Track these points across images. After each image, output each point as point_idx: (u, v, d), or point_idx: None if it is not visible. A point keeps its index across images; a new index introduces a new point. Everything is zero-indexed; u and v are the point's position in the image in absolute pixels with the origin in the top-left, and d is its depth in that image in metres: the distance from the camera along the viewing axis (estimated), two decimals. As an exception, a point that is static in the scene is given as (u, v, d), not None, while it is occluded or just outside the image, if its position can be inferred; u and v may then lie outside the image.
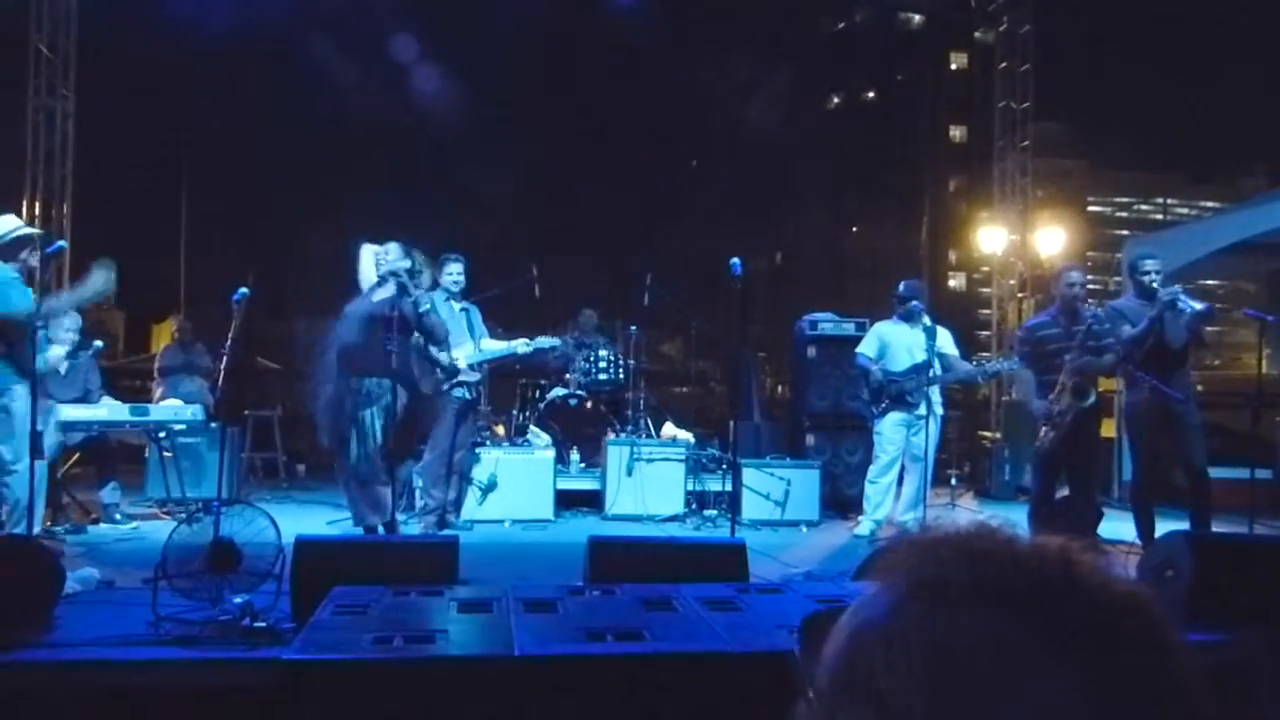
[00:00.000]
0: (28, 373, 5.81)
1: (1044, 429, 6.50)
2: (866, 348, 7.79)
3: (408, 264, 6.47)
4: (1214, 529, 6.44)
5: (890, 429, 7.61)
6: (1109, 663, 0.59)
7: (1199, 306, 6.30)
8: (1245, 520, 6.32)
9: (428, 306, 6.32)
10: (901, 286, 7.82)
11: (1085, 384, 6.42)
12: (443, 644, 3.03)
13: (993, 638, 0.60)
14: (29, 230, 6.21)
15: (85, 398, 7.61)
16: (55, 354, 6.81)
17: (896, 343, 7.66)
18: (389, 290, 6.38)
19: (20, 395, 5.84)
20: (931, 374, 7.40)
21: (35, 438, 5.52)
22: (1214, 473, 9.60)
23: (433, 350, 6.99)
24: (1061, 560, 0.64)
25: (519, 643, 3.01)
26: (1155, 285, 6.44)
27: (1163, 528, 6.16)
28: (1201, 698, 0.63)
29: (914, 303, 7.68)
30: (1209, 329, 6.77)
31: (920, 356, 7.45)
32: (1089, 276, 7.46)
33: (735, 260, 6.63)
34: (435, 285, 7.53)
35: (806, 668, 0.68)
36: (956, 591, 0.62)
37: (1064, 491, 6.90)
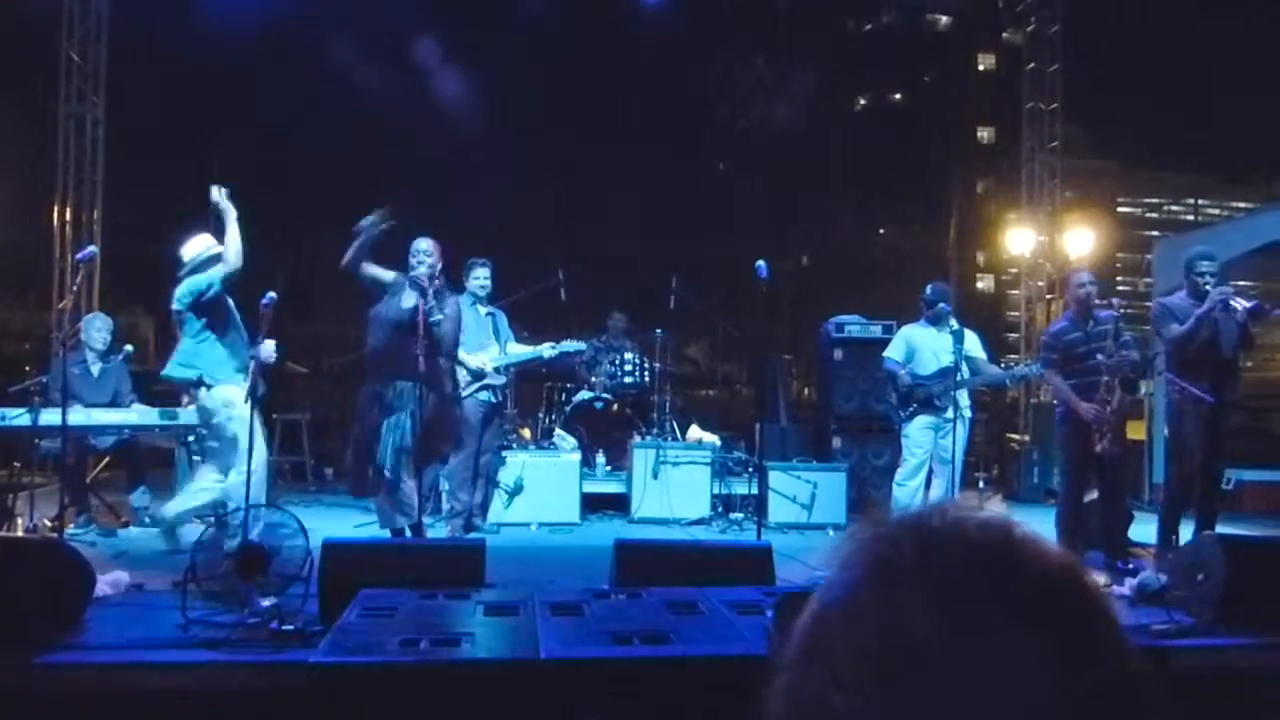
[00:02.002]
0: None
1: (1099, 434, 6.37)
2: (894, 351, 7.74)
3: (436, 265, 6.47)
4: (1247, 532, 6.36)
5: (918, 432, 7.56)
6: (1048, 636, 0.62)
7: (1249, 304, 6.18)
8: (1276, 522, 6.24)
9: (439, 318, 6.32)
10: (929, 289, 7.76)
11: (1133, 377, 6.37)
12: (469, 647, 3.04)
13: (938, 617, 0.63)
14: (219, 249, 6.62)
15: (116, 401, 7.68)
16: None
17: (924, 346, 7.61)
18: (416, 295, 6.40)
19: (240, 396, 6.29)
20: (959, 377, 7.35)
21: None
22: (1247, 475, 9.55)
23: (460, 354, 7.02)
24: (1003, 540, 0.67)
25: (545, 646, 3.01)
26: (1209, 286, 6.31)
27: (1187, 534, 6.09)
28: (1141, 665, 0.66)
29: (941, 305, 7.63)
30: (1260, 326, 6.67)
31: (947, 360, 7.39)
32: (1119, 278, 7.39)
33: (760, 263, 6.61)
34: (462, 288, 7.56)
35: (777, 645, 0.71)
36: (907, 573, 0.65)
37: (1093, 495, 6.83)
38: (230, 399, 6.25)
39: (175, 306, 6.47)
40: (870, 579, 0.67)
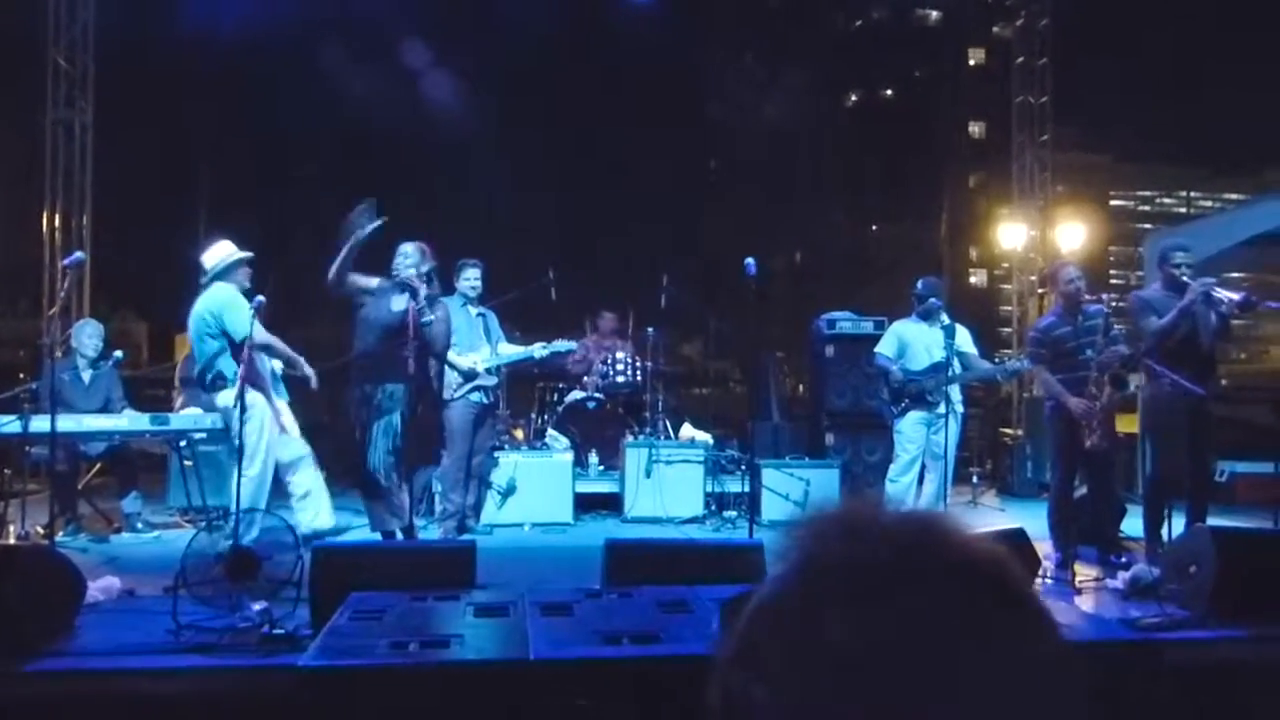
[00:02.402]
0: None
1: (1088, 429, 6.37)
2: (885, 347, 7.75)
3: (423, 267, 6.47)
4: (1238, 525, 6.36)
5: (910, 428, 7.57)
6: (968, 627, 0.63)
7: (1236, 296, 6.16)
8: (1270, 515, 6.24)
9: (429, 319, 6.31)
10: (920, 284, 7.77)
11: (1123, 374, 6.36)
12: (458, 648, 3.04)
13: (859, 611, 0.64)
14: (243, 254, 6.78)
15: (107, 407, 7.66)
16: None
17: (916, 342, 7.62)
18: (406, 298, 6.39)
19: (263, 408, 6.52)
20: (951, 372, 7.36)
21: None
22: (1239, 468, 9.56)
23: (450, 356, 7.01)
24: (925, 534, 0.68)
25: (535, 646, 3.01)
26: (1186, 278, 6.30)
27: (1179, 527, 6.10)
28: (1066, 649, 0.68)
29: (932, 300, 7.64)
30: (1235, 322, 6.67)
31: (939, 355, 7.39)
32: (1112, 272, 7.38)
33: (749, 260, 6.62)
34: (452, 290, 7.56)
35: (719, 642, 0.72)
36: (832, 568, 0.67)
37: (1083, 490, 6.84)
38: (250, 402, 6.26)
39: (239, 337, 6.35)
40: (798, 575, 0.68)
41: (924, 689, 0.61)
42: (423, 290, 6.30)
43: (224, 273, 6.63)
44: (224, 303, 6.48)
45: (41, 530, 6.76)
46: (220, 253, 6.72)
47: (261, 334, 6.30)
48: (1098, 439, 6.30)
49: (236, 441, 6.14)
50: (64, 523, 7.22)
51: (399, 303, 6.31)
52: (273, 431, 6.55)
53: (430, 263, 6.54)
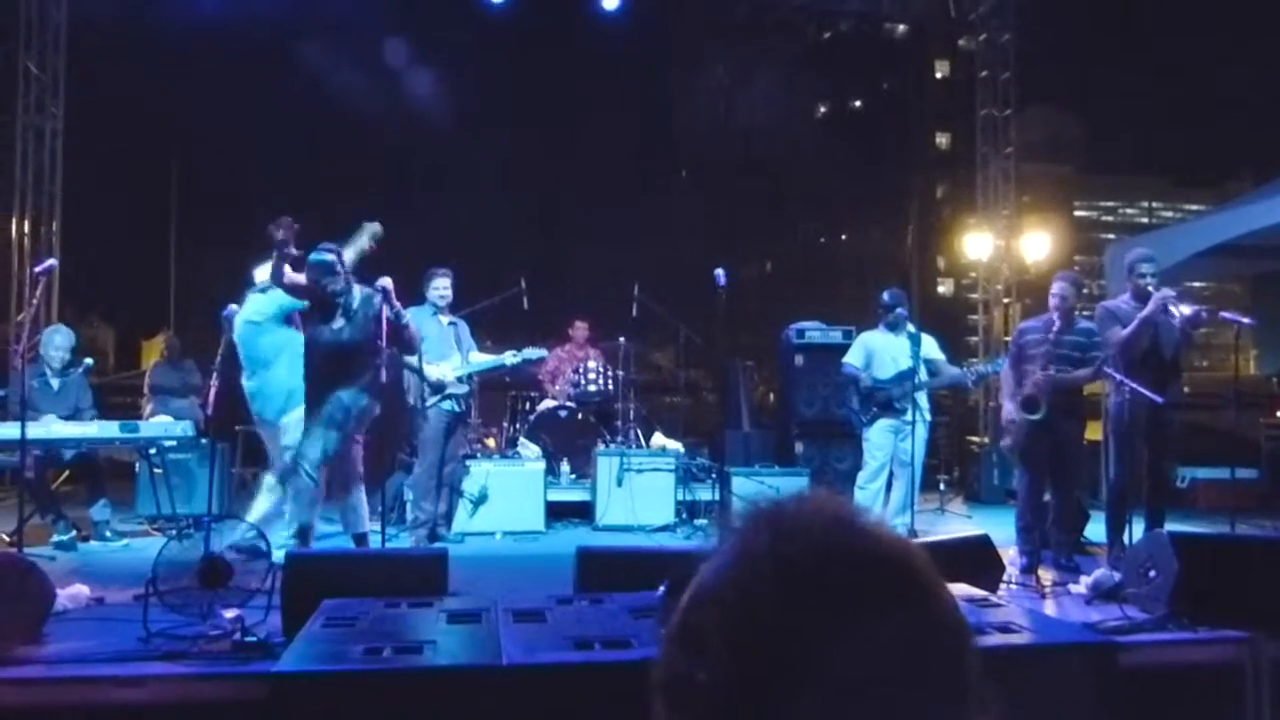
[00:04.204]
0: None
1: (1005, 431, 6.59)
2: (852, 357, 7.84)
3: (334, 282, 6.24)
4: (1198, 530, 6.48)
5: (878, 435, 7.66)
6: (876, 610, 0.72)
7: (1188, 311, 6.26)
8: (1228, 519, 6.36)
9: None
10: (885, 295, 7.87)
11: (1037, 398, 6.44)
12: (431, 654, 3.07)
13: (783, 596, 0.71)
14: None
15: (76, 415, 7.60)
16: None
17: (882, 351, 7.72)
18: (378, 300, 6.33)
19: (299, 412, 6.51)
20: (918, 380, 7.46)
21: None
22: (1198, 473, 9.73)
23: (410, 361, 7.02)
24: (841, 524, 0.77)
25: (507, 652, 3.04)
26: (1151, 288, 6.40)
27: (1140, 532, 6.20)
28: (971, 639, 0.76)
29: (899, 310, 7.74)
30: (1198, 331, 6.77)
31: (906, 364, 7.50)
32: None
33: (719, 270, 6.69)
34: (422, 299, 7.58)
35: (663, 624, 0.80)
36: (761, 557, 0.74)
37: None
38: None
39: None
40: (733, 565, 0.76)
41: (845, 667, 0.69)
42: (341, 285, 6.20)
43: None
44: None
45: (8, 537, 6.71)
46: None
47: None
48: (1005, 444, 6.49)
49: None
50: (53, 524, 7.17)
51: (337, 321, 6.20)
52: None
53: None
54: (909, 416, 7.46)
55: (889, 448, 7.65)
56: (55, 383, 7.72)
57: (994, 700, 0.76)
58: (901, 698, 0.70)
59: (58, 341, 7.81)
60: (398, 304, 6.18)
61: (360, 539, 6.36)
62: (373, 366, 6.15)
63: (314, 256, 6.12)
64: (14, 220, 10.77)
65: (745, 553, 0.76)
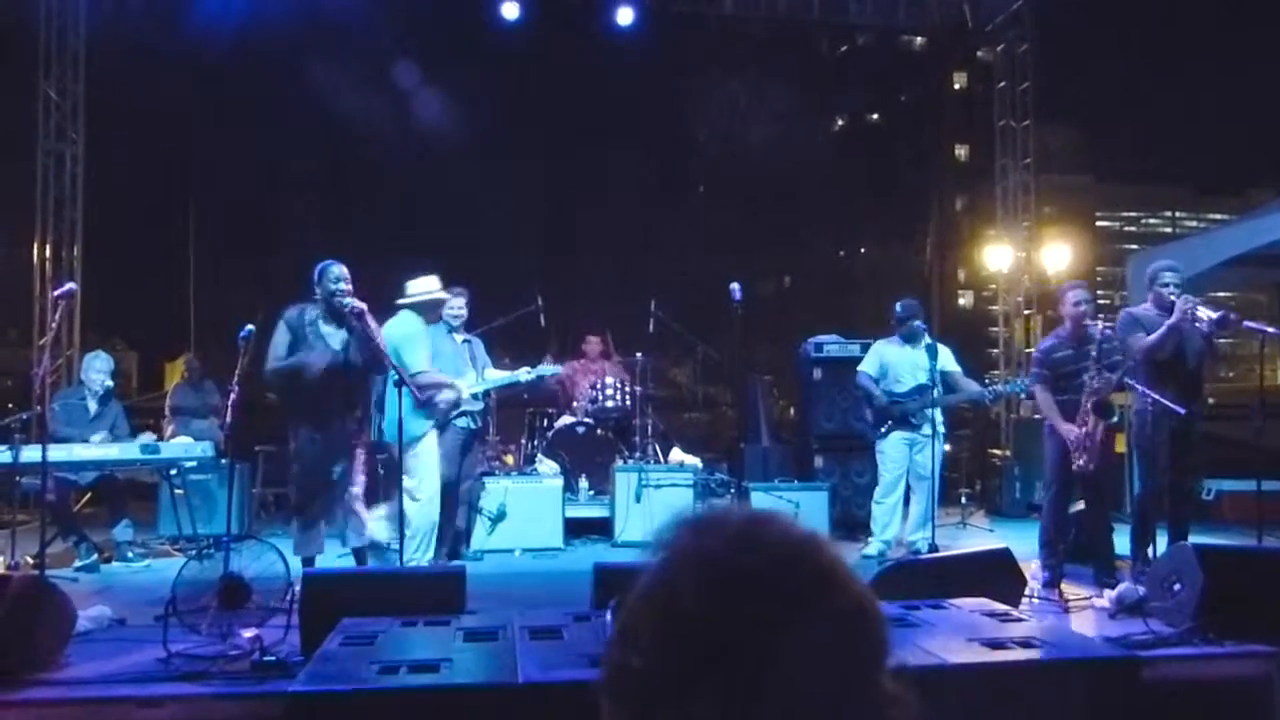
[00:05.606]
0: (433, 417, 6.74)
1: (1077, 454, 6.37)
2: (868, 366, 7.81)
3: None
4: (1223, 542, 6.40)
5: (893, 448, 7.62)
6: (785, 601, 0.79)
7: (1215, 315, 6.18)
8: (1254, 532, 6.29)
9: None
10: (899, 307, 7.81)
11: (1107, 401, 6.34)
12: (447, 672, 3.06)
13: (704, 592, 0.80)
14: (442, 294, 7.21)
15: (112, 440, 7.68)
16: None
17: (898, 363, 7.68)
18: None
19: (430, 436, 6.74)
20: (936, 394, 7.40)
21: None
22: (1225, 486, 9.61)
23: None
24: (756, 525, 0.85)
25: (523, 670, 3.03)
26: (1174, 297, 6.30)
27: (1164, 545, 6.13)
28: (880, 622, 0.83)
29: (914, 322, 7.70)
30: (1221, 340, 6.70)
31: (923, 377, 7.45)
32: (1099, 292, 7.38)
33: (734, 285, 6.68)
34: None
35: (609, 631, 0.89)
36: (687, 557, 0.84)
37: (1078, 505, 6.86)
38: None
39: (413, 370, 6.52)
40: (664, 564, 0.85)
41: (761, 648, 0.77)
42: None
43: (420, 305, 6.95)
44: (404, 336, 6.70)
45: (31, 559, 6.75)
46: (424, 285, 7.05)
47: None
48: (1084, 463, 6.31)
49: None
50: (76, 546, 7.21)
51: (336, 340, 6.24)
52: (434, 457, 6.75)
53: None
54: (926, 430, 7.42)
55: (904, 461, 7.61)
56: (92, 407, 7.78)
57: (908, 687, 0.83)
58: (814, 675, 0.78)
59: (98, 366, 7.88)
60: (372, 322, 6.22)
61: (359, 554, 6.39)
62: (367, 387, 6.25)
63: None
64: (35, 245, 10.89)
65: (672, 553, 0.85)
